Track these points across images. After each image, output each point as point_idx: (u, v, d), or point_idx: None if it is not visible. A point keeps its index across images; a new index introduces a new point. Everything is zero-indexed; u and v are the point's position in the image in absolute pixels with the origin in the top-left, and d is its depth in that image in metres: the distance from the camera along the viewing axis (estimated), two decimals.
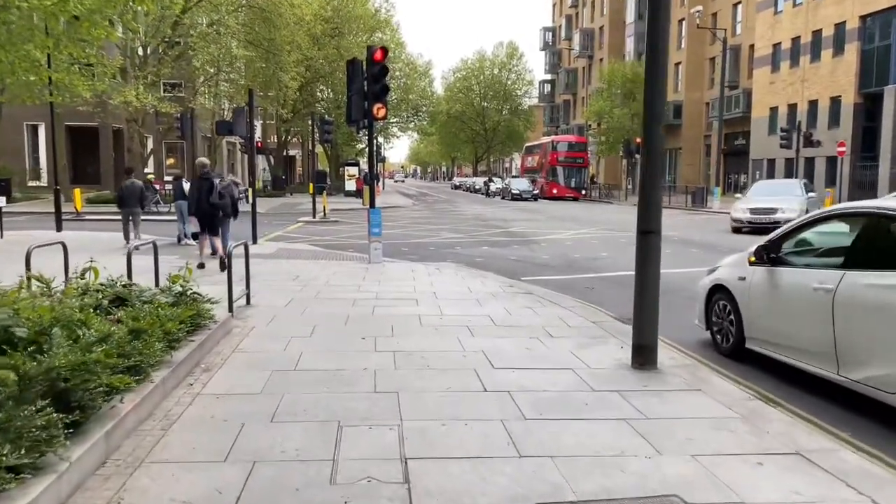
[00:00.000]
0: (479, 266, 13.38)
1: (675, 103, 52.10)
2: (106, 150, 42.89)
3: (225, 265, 12.73)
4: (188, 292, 6.48)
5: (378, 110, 12.81)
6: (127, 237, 17.33)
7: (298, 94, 45.93)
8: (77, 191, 25.43)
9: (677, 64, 53.59)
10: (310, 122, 29.85)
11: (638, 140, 44.32)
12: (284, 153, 57.38)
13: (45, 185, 39.87)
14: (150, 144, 41.26)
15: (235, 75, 42.32)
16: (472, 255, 15.20)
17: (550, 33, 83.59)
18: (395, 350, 6.39)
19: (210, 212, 12.54)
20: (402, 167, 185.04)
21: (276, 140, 53.75)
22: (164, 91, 38.80)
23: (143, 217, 17.01)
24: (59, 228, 19.15)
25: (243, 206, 16.88)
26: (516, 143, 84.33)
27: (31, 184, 41.17)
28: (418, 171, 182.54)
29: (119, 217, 17.32)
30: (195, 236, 16.66)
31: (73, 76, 18.58)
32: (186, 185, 16.02)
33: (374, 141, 13.66)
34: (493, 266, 13.40)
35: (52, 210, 27.97)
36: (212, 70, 38.50)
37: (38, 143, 42.93)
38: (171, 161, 48.67)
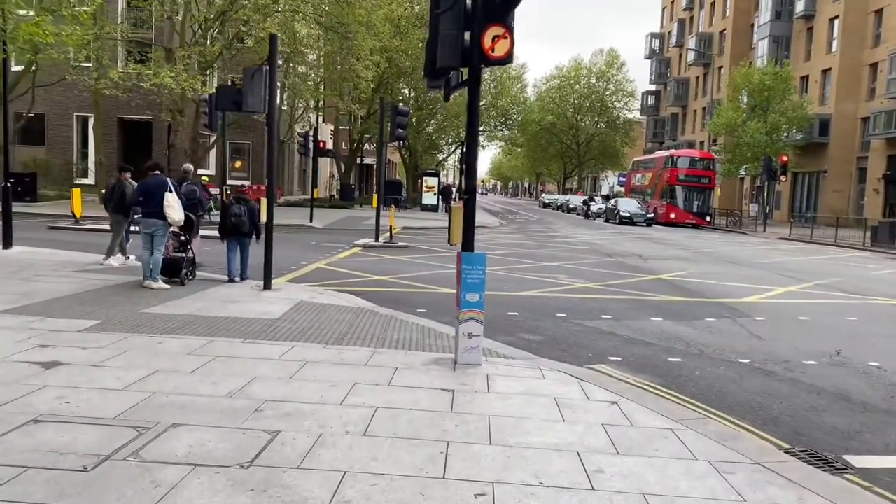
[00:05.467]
0: (686, 383, 6.23)
1: (821, 118, 43.13)
2: (159, 145, 37.75)
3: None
4: None
5: (496, 42, 5.89)
6: (114, 251, 12.08)
7: (375, 93, 39.75)
8: (76, 191, 19.63)
9: (825, 71, 44.62)
10: (378, 110, 23.46)
11: (784, 158, 35.97)
12: (358, 160, 51.38)
13: (93, 182, 35.04)
14: (209, 141, 35.85)
15: (305, 68, 36.65)
16: (647, 342, 8.03)
17: (658, 40, 75.11)
18: None
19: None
20: (483, 181, 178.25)
21: (348, 145, 47.79)
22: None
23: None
24: (5, 244, 13.07)
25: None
26: (611, 159, 76.27)
27: (79, 180, 36.57)
28: (498, 187, 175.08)
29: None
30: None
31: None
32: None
33: (477, 119, 6.68)
34: (717, 385, 6.22)
35: (94, 213, 22.53)
36: (279, 61, 32.76)
37: (88, 137, 38.34)
38: (238, 163, 43.33)
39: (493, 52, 5.88)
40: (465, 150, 6.48)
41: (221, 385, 5.25)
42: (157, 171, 9.76)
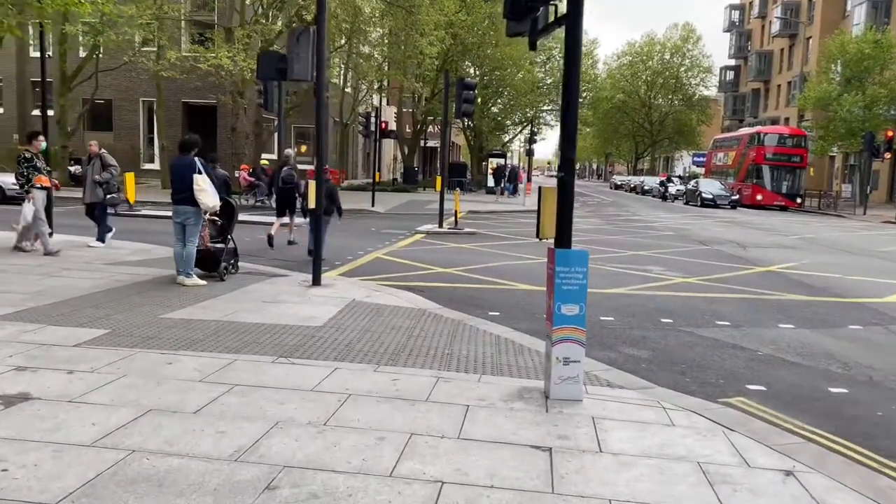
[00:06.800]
0: (873, 431, 4.45)
1: None
2: (224, 129, 37.19)
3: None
4: None
5: None
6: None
7: (439, 73, 38.08)
8: (129, 175, 18.72)
9: None
10: (442, 90, 21.85)
11: (890, 133, 32.57)
12: (422, 143, 49.92)
13: (158, 167, 34.81)
14: (273, 125, 34.98)
15: (368, 47, 35.20)
16: (788, 361, 6.22)
17: (738, 11, 70.67)
18: None
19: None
20: (549, 163, 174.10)
21: (411, 127, 46.34)
22: None
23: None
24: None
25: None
26: (686, 138, 72.39)
27: (145, 166, 36.44)
28: None
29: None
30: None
31: None
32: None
33: (578, 70, 4.97)
34: None
35: (152, 198, 22.14)
36: (341, 40, 31.61)
37: (154, 122, 38.12)
38: (303, 148, 42.52)
39: None
40: (562, 109, 4.74)
41: (228, 437, 3.79)
42: (187, 152, 8.43)
